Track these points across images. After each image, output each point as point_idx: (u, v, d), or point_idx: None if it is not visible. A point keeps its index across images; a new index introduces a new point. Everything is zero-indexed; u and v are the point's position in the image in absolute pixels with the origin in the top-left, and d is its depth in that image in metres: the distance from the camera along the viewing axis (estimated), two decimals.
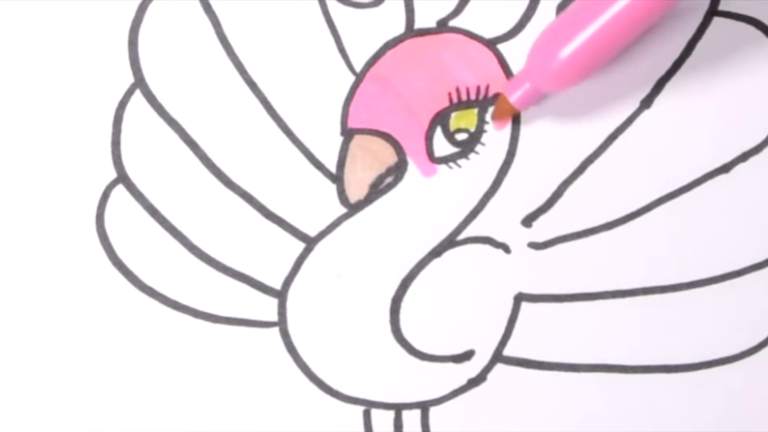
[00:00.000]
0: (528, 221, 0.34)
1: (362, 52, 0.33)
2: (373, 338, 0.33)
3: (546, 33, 0.32)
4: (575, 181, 0.33)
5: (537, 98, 0.33)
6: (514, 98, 0.32)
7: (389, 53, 0.33)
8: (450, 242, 0.33)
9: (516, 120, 0.33)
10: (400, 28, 0.33)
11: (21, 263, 0.33)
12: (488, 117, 0.33)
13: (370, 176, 0.33)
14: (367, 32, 0.33)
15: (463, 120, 0.33)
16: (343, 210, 0.33)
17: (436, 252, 0.33)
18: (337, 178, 0.33)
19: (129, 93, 0.33)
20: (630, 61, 0.33)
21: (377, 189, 0.33)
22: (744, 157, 0.34)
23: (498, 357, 0.33)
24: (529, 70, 0.32)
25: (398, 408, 0.33)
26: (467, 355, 0.33)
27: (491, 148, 0.33)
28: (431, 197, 0.33)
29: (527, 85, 0.32)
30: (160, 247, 0.33)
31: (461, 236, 0.33)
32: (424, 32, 0.33)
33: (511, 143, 0.33)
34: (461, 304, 0.33)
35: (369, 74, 0.33)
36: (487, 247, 0.33)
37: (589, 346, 0.34)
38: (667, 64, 0.34)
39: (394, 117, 0.33)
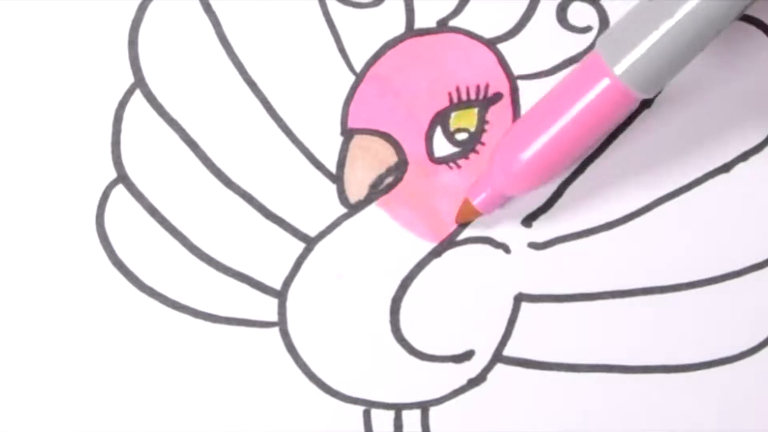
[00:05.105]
0: (528, 221, 0.34)
1: (362, 52, 0.33)
2: (373, 338, 0.33)
3: (507, 135, 0.32)
4: (575, 181, 0.33)
5: (501, 201, 0.32)
6: (477, 201, 0.32)
7: (389, 53, 0.33)
8: (450, 242, 0.33)
9: (516, 119, 0.33)
10: (400, 28, 0.33)
11: (21, 263, 0.33)
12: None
13: (370, 176, 0.33)
14: (367, 32, 0.33)
15: (463, 120, 0.33)
16: (343, 210, 0.33)
17: (436, 252, 0.33)
18: (337, 178, 0.33)
19: (129, 93, 0.33)
20: None
21: (377, 189, 0.33)
22: (744, 156, 0.34)
23: (498, 357, 0.33)
24: (491, 173, 0.32)
25: (398, 408, 0.33)
26: (467, 355, 0.33)
27: (491, 147, 0.33)
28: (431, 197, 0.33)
29: (490, 189, 0.32)
30: (160, 247, 0.33)
31: (461, 236, 0.33)
32: (424, 32, 0.33)
33: None
34: (461, 304, 0.33)
35: (369, 74, 0.33)
36: (487, 247, 0.33)
37: (589, 346, 0.34)
38: None
39: (394, 117, 0.33)
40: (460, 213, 0.33)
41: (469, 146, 0.33)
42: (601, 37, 0.30)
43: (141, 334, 0.33)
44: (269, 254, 0.33)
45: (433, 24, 0.33)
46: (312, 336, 0.33)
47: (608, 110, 0.30)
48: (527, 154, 0.31)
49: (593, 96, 0.30)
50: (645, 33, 0.29)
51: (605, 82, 0.30)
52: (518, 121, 0.32)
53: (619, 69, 0.30)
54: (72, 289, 0.33)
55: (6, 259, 0.33)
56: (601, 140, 0.33)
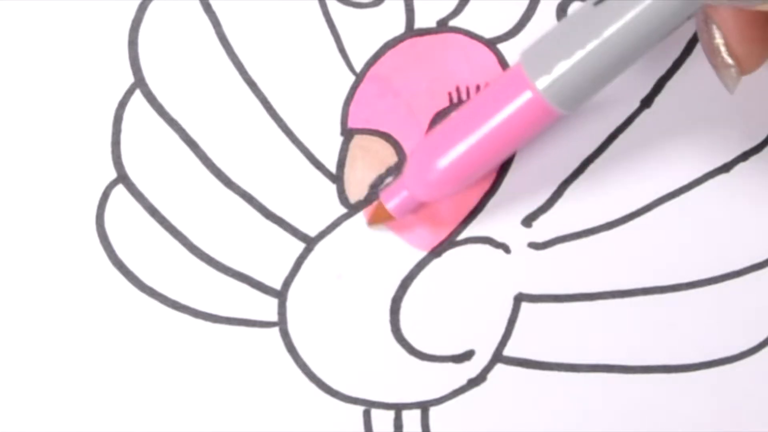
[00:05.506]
0: (528, 221, 0.34)
1: (362, 52, 0.33)
2: (373, 338, 0.33)
3: (424, 142, 0.31)
4: (575, 181, 0.34)
5: (414, 205, 0.32)
6: (391, 206, 0.32)
7: (389, 53, 0.33)
8: (450, 242, 0.33)
9: None
10: (400, 28, 0.33)
11: (21, 263, 0.33)
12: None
13: (370, 176, 0.33)
14: (367, 32, 0.33)
15: None
16: (343, 210, 0.33)
17: (436, 252, 0.33)
18: (337, 178, 0.33)
19: (129, 93, 0.33)
20: None
21: (377, 189, 0.33)
22: (744, 156, 0.34)
23: (498, 357, 0.33)
24: (407, 178, 0.32)
25: (398, 408, 0.33)
26: (467, 355, 0.33)
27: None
28: None
29: (405, 193, 0.32)
30: (160, 247, 0.33)
31: (461, 236, 0.33)
32: (424, 32, 0.33)
33: None
34: (461, 304, 0.33)
35: (369, 74, 0.33)
36: (487, 247, 0.33)
37: (589, 346, 0.34)
38: (667, 64, 0.34)
39: (394, 117, 0.33)
40: (373, 215, 0.33)
41: None
42: (526, 49, 0.30)
43: (141, 334, 0.33)
44: (269, 254, 0.33)
45: (433, 24, 0.33)
46: (312, 336, 0.33)
47: (527, 124, 0.30)
48: (443, 162, 0.31)
49: (513, 109, 0.30)
50: (571, 51, 0.29)
51: (527, 96, 0.30)
52: (436, 128, 0.32)
53: (541, 84, 0.29)
54: (72, 289, 0.33)
55: (6, 259, 0.33)
56: (518, 149, 0.32)
